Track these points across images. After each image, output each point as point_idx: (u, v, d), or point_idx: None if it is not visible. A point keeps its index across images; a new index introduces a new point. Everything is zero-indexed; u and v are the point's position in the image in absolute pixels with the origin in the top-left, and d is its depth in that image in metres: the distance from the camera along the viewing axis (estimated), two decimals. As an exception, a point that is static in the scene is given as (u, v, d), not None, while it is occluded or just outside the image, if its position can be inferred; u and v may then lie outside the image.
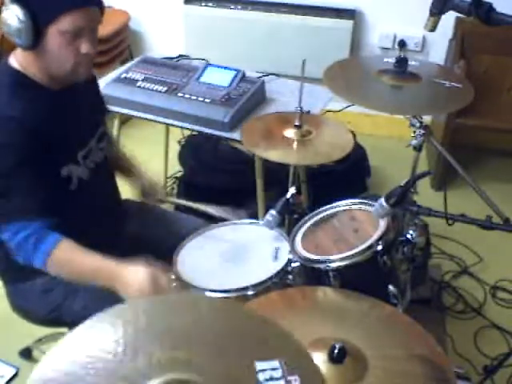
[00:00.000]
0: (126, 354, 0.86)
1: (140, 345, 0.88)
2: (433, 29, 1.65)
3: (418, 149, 1.89)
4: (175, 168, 3.08)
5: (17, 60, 1.51)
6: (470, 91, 1.78)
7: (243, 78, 2.34)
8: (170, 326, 0.92)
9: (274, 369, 0.85)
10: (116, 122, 2.52)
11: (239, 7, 3.31)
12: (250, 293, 1.54)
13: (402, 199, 1.39)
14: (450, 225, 1.43)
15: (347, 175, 2.82)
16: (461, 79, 1.87)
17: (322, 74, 1.85)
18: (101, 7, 1.49)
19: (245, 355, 0.89)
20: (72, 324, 1.88)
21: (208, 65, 2.42)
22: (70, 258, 1.49)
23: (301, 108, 1.84)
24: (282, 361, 0.86)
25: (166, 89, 2.32)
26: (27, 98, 1.47)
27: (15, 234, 1.46)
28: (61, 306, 1.69)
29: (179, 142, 3.12)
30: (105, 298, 1.65)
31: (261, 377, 0.84)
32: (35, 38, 1.41)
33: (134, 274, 1.45)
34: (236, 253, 1.71)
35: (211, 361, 0.87)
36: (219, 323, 0.95)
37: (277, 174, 2.34)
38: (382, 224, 1.53)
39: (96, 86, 1.79)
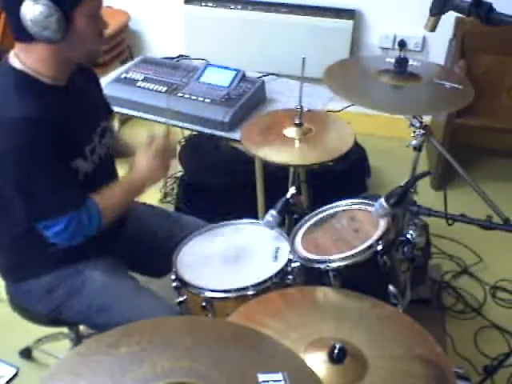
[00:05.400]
0: (131, 365, 0.87)
1: (145, 356, 0.89)
2: (433, 29, 1.65)
3: (418, 149, 1.89)
4: (175, 168, 3.08)
5: (19, 60, 1.49)
6: (470, 91, 1.77)
7: (243, 78, 2.34)
8: (172, 343, 0.94)
9: (277, 381, 0.85)
10: (116, 122, 2.52)
11: (239, 7, 3.31)
12: (250, 293, 1.54)
13: (401, 199, 1.39)
14: (450, 225, 1.43)
15: (347, 175, 2.82)
16: (461, 79, 1.87)
17: (323, 73, 1.85)
18: None
19: (247, 367, 0.89)
20: (73, 323, 1.90)
21: (208, 65, 2.42)
22: (111, 201, 1.62)
23: (301, 106, 1.84)
24: (286, 373, 0.87)
25: (166, 89, 2.32)
26: (35, 98, 1.47)
27: (69, 224, 1.52)
28: (63, 305, 1.69)
29: (179, 142, 3.12)
30: (109, 296, 1.67)
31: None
32: (65, 27, 1.41)
33: (145, 173, 1.67)
34: (236, 253, 1.71)
35: (213, 369, 0.88)
36: (221, 341, 0.96)
37: (277, 174, 2.34)
38: (382, 224, 1.53)
39: (97, 82, 1.79)
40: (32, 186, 1.49)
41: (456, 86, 1.77)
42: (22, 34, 1.44)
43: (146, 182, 1.69)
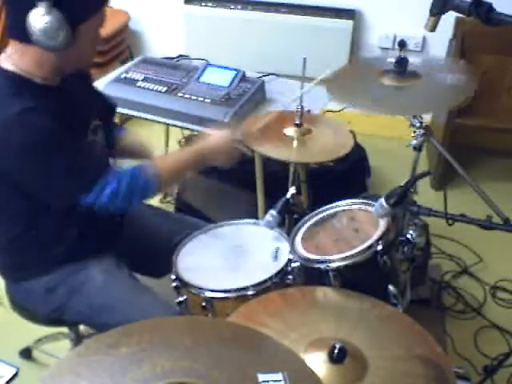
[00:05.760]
0: (131, 365, 0.87)
1: (145, 356, 0.89)
2: (433, 29, 1.65)
3: (418, 149, 1.88)
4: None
5: (12, 62, 1.48)
6: (472, 83, 1.75)
7: (243, 78, 2.34)
8: (172, 343, 0.94)
9: (277, 381, 0.86)
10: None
11: (239, 7, 3.31)
12: (250, 293, 1.54)
13: (401, 199, 1.39)
14: (450, 225, 1.43)
15: (347, 175, 2.82)
16: (463, 71, 1.85)
17: (324, 84, 1.83)
18: None
19: (247, 367, 0.89)
20: (74, 323, 1.90)
21: (208, 65, 2.42)
22: (170, 166, 1.64)
23: (301, 106, 1.84)
24: (286, 373, 0.87)
25: (166, 89, 2.32)
26: (28, 97, 1.46)
27: (118, 184, 1.51)
28: (64, 306, 1.69)
29: (179, 142, 3.12)
30: (109, 296, 1.67)
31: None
32: (70, 39, 1.42)
33: (214, 143, 1.70)
34: (236, 253, 1.71)
35: (213, 369, 0.88)
36: (221, 341, 0.96)
37: (277, 174, 2.35)
38: (382, 224, 1.53)
39: (89, 80, 1.79)
40: (62, 166, 1.49)
41: (458, 76, 1.76)
42: (21, 35, 1.43)
43: (209, 155, 1.71)
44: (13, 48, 1.49)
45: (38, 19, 1.38)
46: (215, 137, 1.73)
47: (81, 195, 1.51)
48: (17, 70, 1.48)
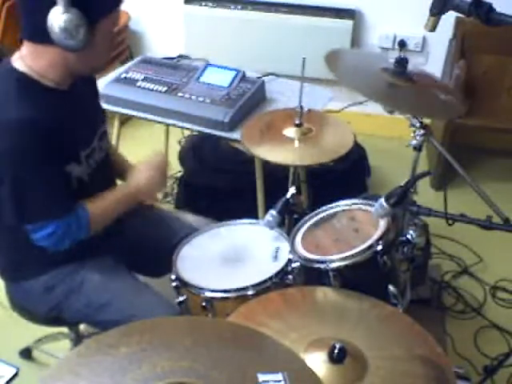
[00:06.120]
0: (131, 365, 0.87)
1: (145, 357, 0.89)
2: (433, 29, 1.64)
3: (418, 149, 1.88)
4: (175, 168, 3.08)
5: (24, 63, 1.48)
6: (463, 103, 1.76)
7: (243, 78, 2.34)
8: (172, 343, 0.94)
9: (277, 381, 0.86)
10: (116, 122, 2.52)
11: (239, 7, 3.31)
12: (249, 293, 1.54)
13: (401, 199, 1.39)
14: (450, 225, 1.43)
15: (347, 175, 2.82)
16: (454, 93, 1.85)
17: (325, 55, 1.81)
18: None
19: (247, 367, 0.89)
20: (72, 322, 1.91)
21: (208, 65, 2.42)
22: (102, 209, 1.62)
23: (301, 106, 1.84)
24: (286, 374, 0.87)
25: (166, 89, 2.32)
26: (35, 100, 1.46)
27: (56, 230, 1.52)
28: (62, 304, 1.70)
29: (179, 142, 3.12)
30: (107, 294, 1.67)
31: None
32: (88, 38, 1.41)
33: (140, 184, 1.70)
34: (236, 253, 1.71)
35: (213, 370, 0.88)
36: (221, 341, 0.97)
37: (277, 174, 2.34)
38: (382, 224, 1.53)
39: (95, 85, 1.79)
40: (22, 187, 1.48)
41: (449, 99, 1.77)
42: (39, 36, 1.43)
43: (141, 194, 1.72)
44: (27, 49, 1.48)
45: (57, 18, 1.37)
46: (141, 173, 1.71)
47: (22, 222, 1.53)
48: (28, 72, 1.48)
